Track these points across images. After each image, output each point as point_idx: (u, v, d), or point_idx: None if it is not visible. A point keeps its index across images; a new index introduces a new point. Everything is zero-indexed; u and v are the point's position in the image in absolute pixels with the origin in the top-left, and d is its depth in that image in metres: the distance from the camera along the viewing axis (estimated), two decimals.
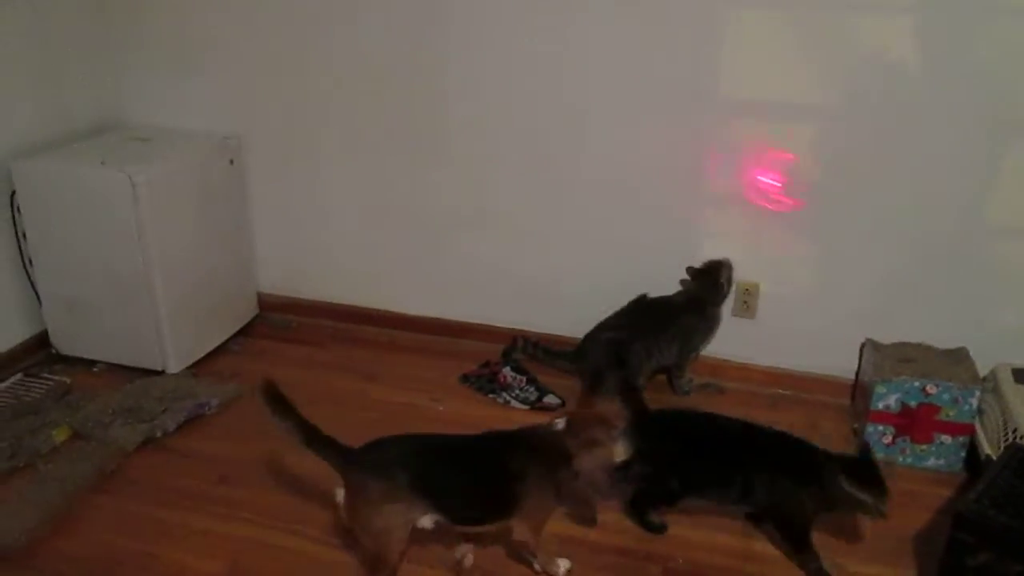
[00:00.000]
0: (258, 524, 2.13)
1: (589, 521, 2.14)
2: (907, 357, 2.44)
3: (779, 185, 2.54)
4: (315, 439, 1.75)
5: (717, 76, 2.52)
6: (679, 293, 2.70)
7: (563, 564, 1.97)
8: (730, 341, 2.77)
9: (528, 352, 2.85)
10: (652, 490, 2.13)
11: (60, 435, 2.41)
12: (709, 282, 2.63)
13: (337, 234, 3.07)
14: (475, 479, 1.81)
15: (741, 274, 2.70)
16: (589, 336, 2.70)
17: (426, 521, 1.80)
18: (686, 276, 2.66)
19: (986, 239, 2.48)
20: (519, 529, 1.86)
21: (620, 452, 1.85)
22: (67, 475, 2.25)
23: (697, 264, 2.65)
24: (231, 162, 2.93)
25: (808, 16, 2.41)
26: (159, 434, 2.44)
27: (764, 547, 2.08)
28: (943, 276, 2.53)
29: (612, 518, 2.16)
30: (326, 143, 2.94)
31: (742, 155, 2.58)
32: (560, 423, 1.86)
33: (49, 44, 2.82)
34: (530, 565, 1.98)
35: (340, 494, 1.78)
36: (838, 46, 2.41)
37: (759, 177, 2.53)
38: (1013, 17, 2.25)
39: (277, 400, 1.74)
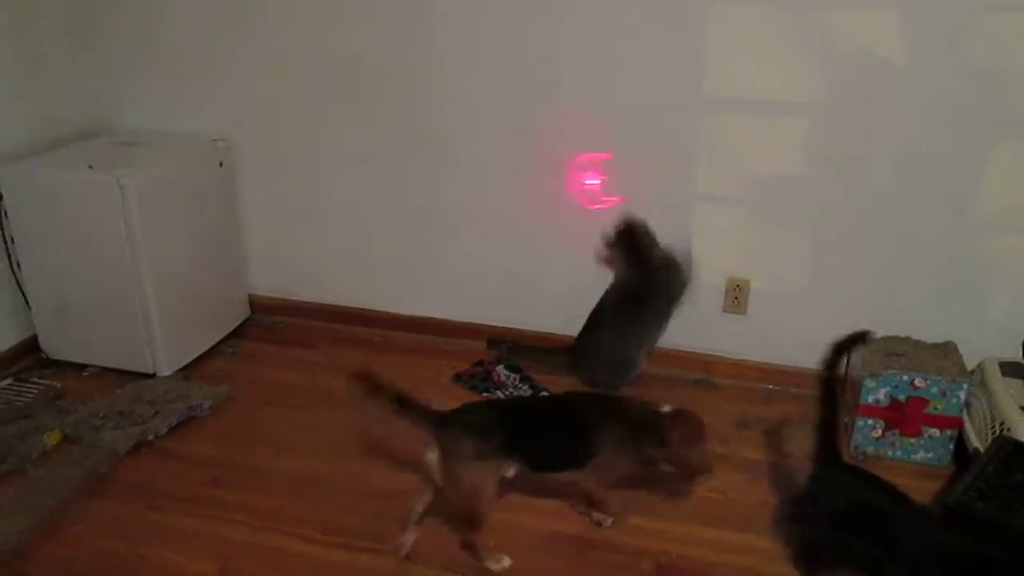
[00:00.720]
0: (250, 526, 2.13)
1: (684, 493, 2.25)
2: (895, 351, 2.46)
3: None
4: (409, 408, 1.90)
5: (705, 72, 2.53)
6: (638, 283, 2.66)
7: (609, 519, 2.11)
8: (722, 337, 2.79)
9: (514, 354, 2.86)
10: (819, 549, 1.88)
11: (51, 439, 2.41)
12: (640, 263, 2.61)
13: (328, 235, 3.07)
14: (557, 429, 2.00)
15: (731, 270, 2.72)
16: (588, 337, 2.72)
17: (509, 471, 1.96)
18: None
19: (973, 234, 2.50)
20: (586, 482, 2.02)
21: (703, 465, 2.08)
22: (58, 479, 2.25)
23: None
24: (220, 164, 2.93)
25: (796, 12, 2.42)
26: (151, 437, 2.44)
27: (756, 540, 2.09)
28: (931, 271, 2.55)
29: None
30: (316, 144, 2.94)
31: (730, 151, 2.59)
32: (667, 408, 2.04)
33: (36, 49, 2.81)
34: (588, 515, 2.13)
35: (431, 456, 1.90)
36: (825, 42, 2.43)
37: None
38: (999, 12, 2.27)
39: (374, 388, 1.88)
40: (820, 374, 1.92)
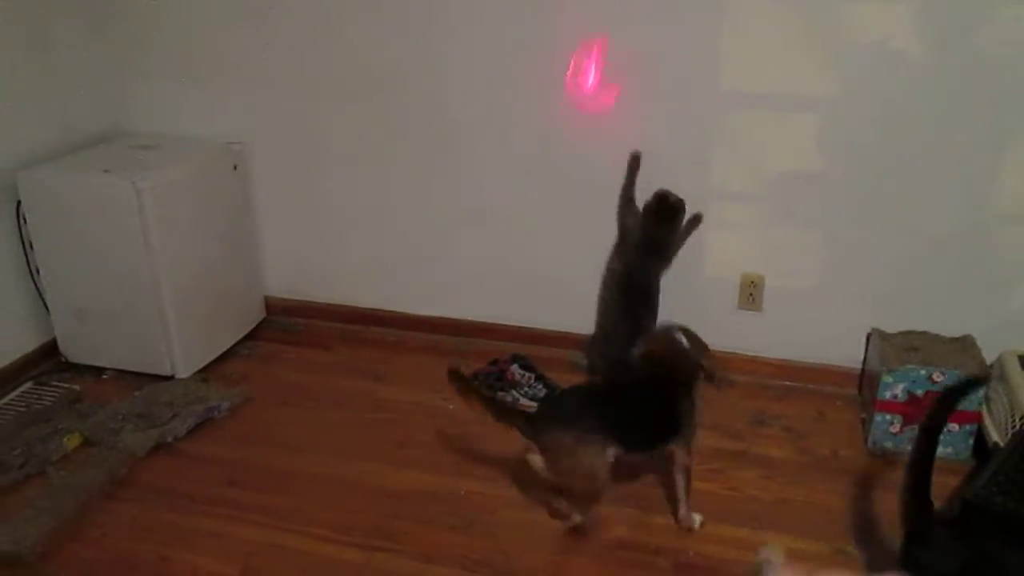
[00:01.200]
0: (269, 526, 2.14)
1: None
2: (913, 346, 2.44)
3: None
4: (503, 413, 2.01)
5: (719, 68, 2.52)
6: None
7: (698, 518, 2.12)
8: (737, 334, 2.77)
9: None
10: None
11: (71, 442, 2.43)
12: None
13: (343, 236, 3.09)
14: (649, 412, 2.03)
15: (746, 267, 2.71)
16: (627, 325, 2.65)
17: (609, 455, 1.97)
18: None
19: (991, 226, 2.47)
20: (679, 452, 2.07)
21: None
22: (79, 482, 2.27)
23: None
24: (235, 167, 2.94)
25: (811, 6, 2.40)
26: (169, 439, 2.46)
27: (773, 538, 2.08)
28: (948, 264, 2.53)
29: (624, 512, 2.17)
30: (330, 146, 2.95)
31: (744, 147, 2.58)
32: (683, 339, 2.05)
33: (52, 54, 2.84)
34: (674, 513, 2.14)
35: (535, 460, 1.97)
36: (839, 35, 2.41)
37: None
38: (1016, 4, 2.24)
39: (465, 384, 1.99)
40: (924, 422, 1.70)
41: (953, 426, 2.34)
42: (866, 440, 2.44)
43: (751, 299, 2.73)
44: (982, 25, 2.28)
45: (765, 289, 2.71)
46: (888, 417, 2.39)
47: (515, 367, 2.81)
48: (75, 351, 2.86)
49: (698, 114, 2.59)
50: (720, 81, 2.53)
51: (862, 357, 2.67)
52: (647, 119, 2.62)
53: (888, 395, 2.37)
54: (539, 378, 2.76)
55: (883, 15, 2.35)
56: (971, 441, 2.35)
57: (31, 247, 2.75)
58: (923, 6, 2.32)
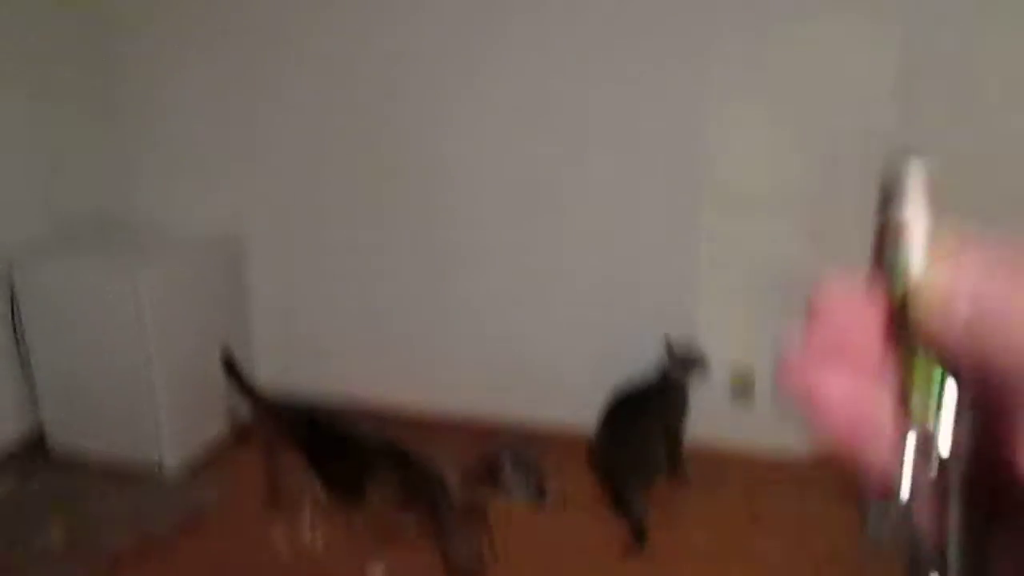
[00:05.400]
0: None
1: None
2: None
3: None
4: None
5: (708, 163, 2.59)
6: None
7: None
8: (730, 426, 2.76)
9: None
10: None
11: (55, 538, 2.37)
12: None
13: (335, 329, 3.09)
14: None
15: (738, 359, 2.72)
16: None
17: None
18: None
19: None
20: None
21: None
22: None
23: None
24: (231, 260, 2.97)
25: (792, 100, 2.49)
26: (155, 535, 2.40)
27: None
28: None
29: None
30: (324, 239, 2.99)
31: (731, 238, 2.63)
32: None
33: (52, 144, 2.88)
34: None
35: None
36: (821, 127, 2.48)
37: None
38: (996, 108, 2.33)
39: None
40: None
41: None
42: (864, 532, 2.40)
43: (743, 391, 2.73)
44: (964, 122, 2.35)
45: (757, 381, 2.72)
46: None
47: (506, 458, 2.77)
48: (63, 440, 2.82)
49: (688, 207, 2.64)
50: (707, 174, 2.60)
51: None
52: (636, 211, 2.67)
53: None
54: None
55: (865, 109, 2.43)
56: None
57: (23, 338, 2.73)
58: (905, 102, 2.39)
